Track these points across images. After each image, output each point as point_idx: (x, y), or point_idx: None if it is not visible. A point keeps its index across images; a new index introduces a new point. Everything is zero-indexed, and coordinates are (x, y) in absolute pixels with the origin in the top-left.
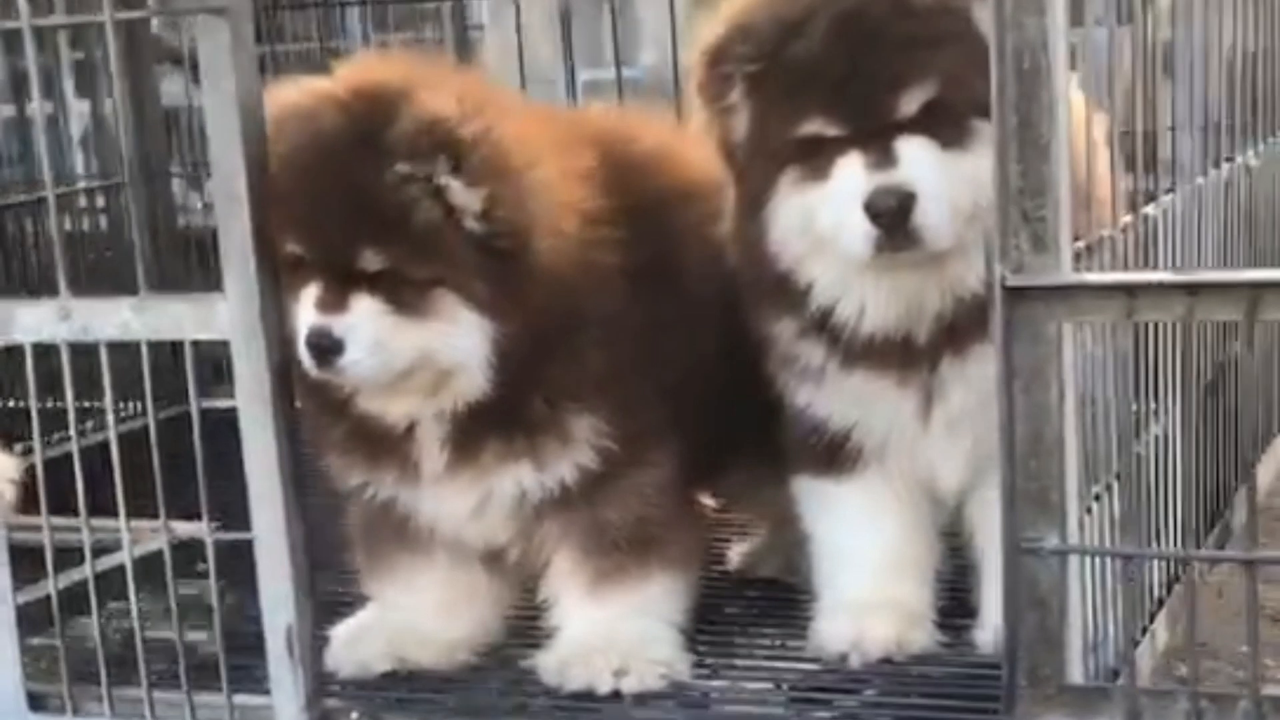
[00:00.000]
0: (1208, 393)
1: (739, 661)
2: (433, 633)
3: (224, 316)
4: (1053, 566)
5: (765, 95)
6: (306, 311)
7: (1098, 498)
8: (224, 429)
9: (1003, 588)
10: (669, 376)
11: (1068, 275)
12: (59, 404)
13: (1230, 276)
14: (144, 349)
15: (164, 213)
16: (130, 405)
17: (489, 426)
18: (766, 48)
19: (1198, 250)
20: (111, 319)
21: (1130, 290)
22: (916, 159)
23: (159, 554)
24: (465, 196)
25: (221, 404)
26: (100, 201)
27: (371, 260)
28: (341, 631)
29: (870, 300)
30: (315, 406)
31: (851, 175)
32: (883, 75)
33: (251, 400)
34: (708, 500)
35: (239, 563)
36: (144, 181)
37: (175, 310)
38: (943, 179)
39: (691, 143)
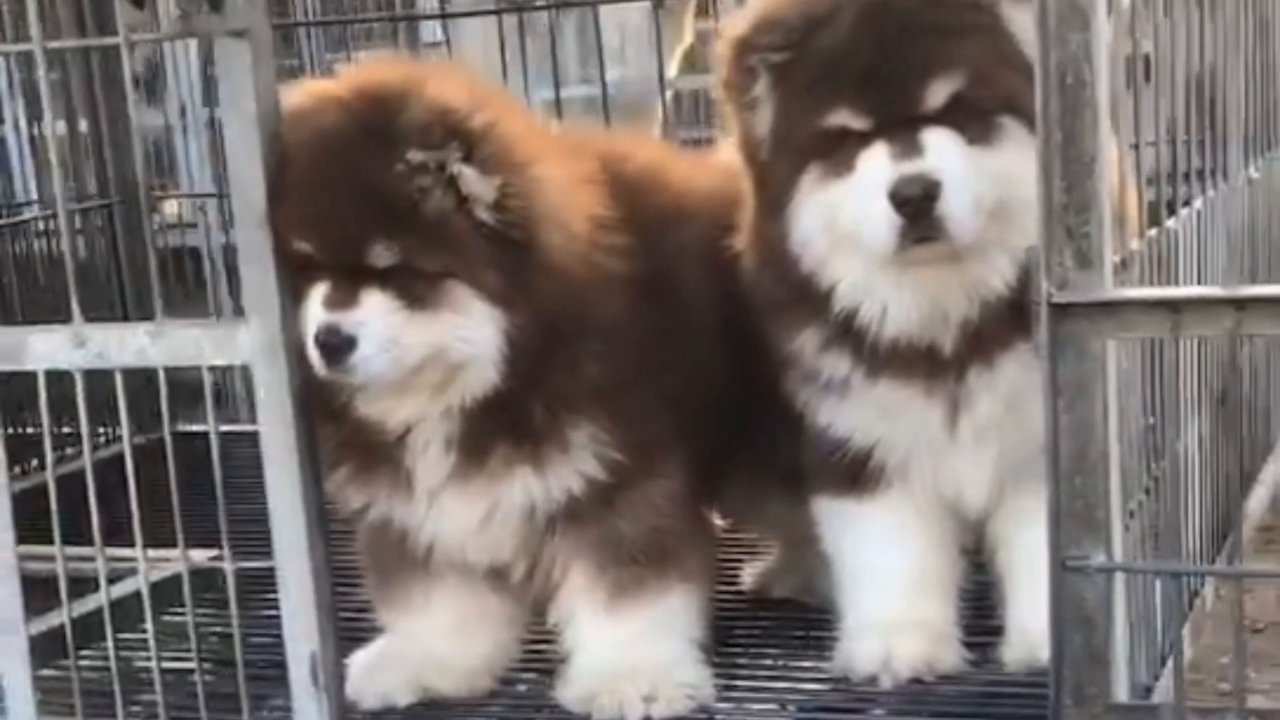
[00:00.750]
0: (1217, 406)
1: (741, 682)
2: (450, 659)
3: (243, 341)
4: (1098, 584)
5: (790, 87)
6: (315, 309)
7: (1132, 514)
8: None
9: (1049, 606)
10: (670, 388)
11: (1112, 291)
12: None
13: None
14: (161, 376)
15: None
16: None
17: (495, 430)
18: (793, 38)
19: (1208, 263)
20: (129, 345)
21: (1176, 305)
22: (942, 150)
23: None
24: (478, 185)
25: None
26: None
27: (382, 255)
28: (360, 660)
29: (893, 301)
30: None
31: (876, 166)
32: (910, 66)
33: (273, 424)
34: (716, 519)
35: (245, 589)
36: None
37: (193, 336)
38: (968, 172)
39: (680, 164)
